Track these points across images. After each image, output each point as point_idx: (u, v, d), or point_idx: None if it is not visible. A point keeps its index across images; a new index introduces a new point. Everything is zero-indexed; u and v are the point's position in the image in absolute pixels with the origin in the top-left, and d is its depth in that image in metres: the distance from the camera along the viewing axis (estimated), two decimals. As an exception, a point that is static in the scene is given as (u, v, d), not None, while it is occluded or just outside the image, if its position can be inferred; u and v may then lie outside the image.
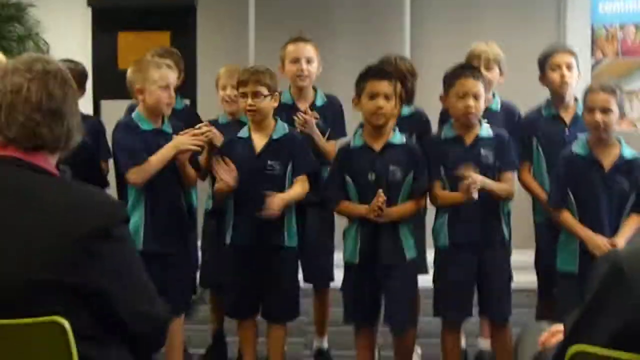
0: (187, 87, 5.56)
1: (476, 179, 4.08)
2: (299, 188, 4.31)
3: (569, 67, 4.67)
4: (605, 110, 4.13)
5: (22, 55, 2.31)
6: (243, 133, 4.39)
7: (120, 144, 4.29)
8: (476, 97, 4.20)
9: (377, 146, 4.22)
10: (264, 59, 6.38)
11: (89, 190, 2.24)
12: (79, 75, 4.79)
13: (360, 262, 4.21)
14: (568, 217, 4.27)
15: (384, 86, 4.15)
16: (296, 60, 4.74)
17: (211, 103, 5.30)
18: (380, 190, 4.06)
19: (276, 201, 4.17)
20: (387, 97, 4.14)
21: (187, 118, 4.76)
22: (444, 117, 4.56)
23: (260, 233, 4.27)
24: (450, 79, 4.30)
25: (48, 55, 6.78)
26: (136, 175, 4.20)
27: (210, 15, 6.56)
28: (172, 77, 4.32)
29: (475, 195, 4.05)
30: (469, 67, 4.41)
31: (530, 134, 4.74)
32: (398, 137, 4.25)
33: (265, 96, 4.26)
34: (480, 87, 4.21)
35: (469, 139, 4.27)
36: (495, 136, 4.30)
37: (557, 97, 4.72)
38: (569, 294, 4.11)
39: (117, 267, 2.12)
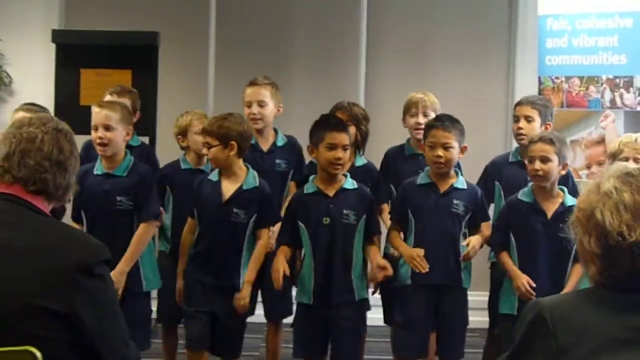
0: (146, 125, 5.68)
1: (475, 246, 4.36)
2: (261, 248, 4.45)
3: (527, 119, 4.85)
4: (544, 160, 4.32)
5: (38, 114, 2.72)
6: (213, 176, 4.51)
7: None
8: (445, 147, 4.37)
9: (331, 192, 4.36)
10: (223, 100, 6.55)
11: (76, 231, 2.67)
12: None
13: (313, 302, 4.34)
14: (505, 257, 4.44)
15: (344, 138, 4.30)
16: (249, 104, 4.91)
17: (169, 142, 5.42)
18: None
19: (244, 299, 4.39)
20: (344, 148, 4.30)
21: (142, 155, 4.89)
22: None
23: (218, 274, 4.41)
24: (425, 130, 4.49)
25: (10, 91, 6.91)
26: None
27: (172, 55, 6.69)
28: (112, 116, 4.39)
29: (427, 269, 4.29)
30: (440, 119, 4.56)
31: (495, 179, 4.92)
32: (350, 182, 4.40)
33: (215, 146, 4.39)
34: (451, 138, 4.38)
35: (442, 187, 4.44)
36: (468, 188, 4.49)
37: (520, 146, 4.90)
38: (508, 336, 4.29)
39: (97, 302, 2.30)
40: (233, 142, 4.39)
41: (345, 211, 4.33)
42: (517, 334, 2.09)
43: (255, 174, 4.49)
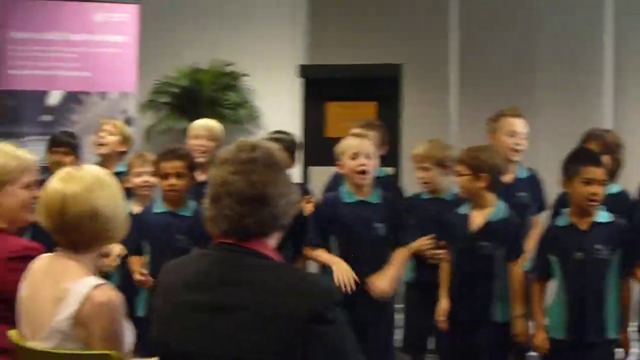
0: (390, 155, 5.73)
1: None
2: (516, 280, 4.36)
3: None
4: None
5: (235, 143, 2.40)
6: (462, 208, 4.49)
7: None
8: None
9: (584, 226, 4.21)
10: (466, 130, 6.52)
11: (301, 273, 2.42)
12: (289, 145, 4.98)
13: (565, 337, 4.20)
14: None
15: (600, 174, 4.14)
16: (512, 134, 4.82)
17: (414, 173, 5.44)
18: None
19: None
20: (600, 184, 4.15)
21: (389, 186, 4.92)
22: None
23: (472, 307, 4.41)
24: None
25: (258, 125, 7.18)
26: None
27: (415, 86, 6.73)
28: (371, 147, 4.45)
29: None
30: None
31: None
32: (604, 215, 4.22)
33: (478, 177, 4.36)
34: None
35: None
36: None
37: None
38: None
39: (331, 347, 2.17)
40: (485, 175, 4.36)
41: (597, 246, 4.16)
42: None
43: (504, 205, 4.42)
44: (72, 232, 2.65)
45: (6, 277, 2.94)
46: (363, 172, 4.39)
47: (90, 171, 2.74)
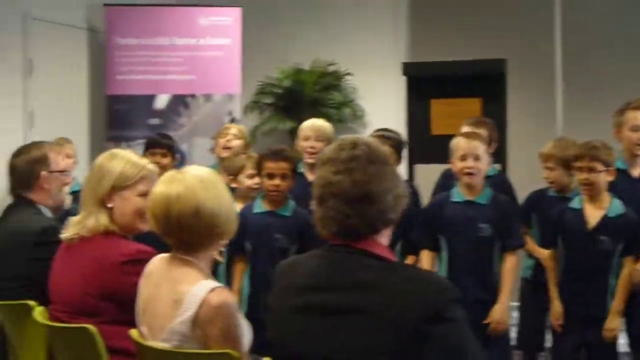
0: (496, 152, 5.66)
1: None
2: (626, 277, 4.31)
3: None
4: None
5: (338, 140, 2.39)
6: (575, 203, 4.43)
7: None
8: None
9: None
10: (572, 125, 6.39)
11: (416, 272, 2.32)
12: (396, 144, 4.96)
13: None
14: None
15: None
16: (636, 129, 4.70)
17: (521, 170, 5.37)
18: None
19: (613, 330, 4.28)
20: None
21: (499, 184, 4.86)
22: None
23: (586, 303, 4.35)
24: None
25: (363, 124, 7.18)
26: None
27: (520, 82, 6.63)
28: (480, 147, 4.40)
29: None
30: None
31: None
32: None
33: (599, 171, 4.28)
34: None
35: None
36: None
37: None
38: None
39: (449, 346, 2.13)
40: (612, 169, 4.33)
41: None
42: None
43: (617, 201, 4.33)
44: (179, 232, 2.69)
45: (120, 281, 3.01)
46: (470, 174, 4.36)
47: (193, 172, 2.77)
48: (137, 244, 3.21)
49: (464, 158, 4.36)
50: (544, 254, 4.62)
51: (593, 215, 4.33)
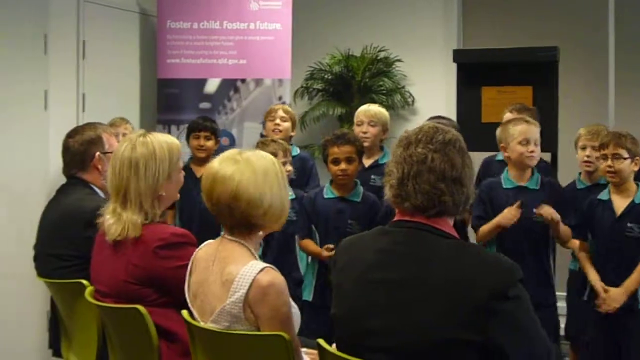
0: (547, 140, 5.61)
1: None
2: None
3: None
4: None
5: (423, 125, 2.48)
6: (603, 195, 4.40)
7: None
8: None
9: None
10: (625, 113, 6.32)
11: (483, 252, 2.42)
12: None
13: None
14: None
15: None
16: None
17: (572, 159, 5.31)
18: None
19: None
20: None
21: (543, 172, 4.84)
22: None
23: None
24: None
25: (413, 110, 7.17)
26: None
27: (572, 70, 6.57)
28: (534, 132, 4.46)
29: None
30: None
31: None
32: None
33: (624, 159, 4.25)
34: None
35: None
36: None
37: None
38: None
39: (514, 325, 2.21)
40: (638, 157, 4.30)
41: None
42: None
43: None
44: (222, 213, 2.72)
45: (157, 265, 3.04)
46: (532, 158, 4.40)
47: (249, 156, 2.77)
48: (171, 227, 3.25)
49: (526, 142, 4.36)
50: (575, 244, 4.58)
51: (620, 203, 4.31)
